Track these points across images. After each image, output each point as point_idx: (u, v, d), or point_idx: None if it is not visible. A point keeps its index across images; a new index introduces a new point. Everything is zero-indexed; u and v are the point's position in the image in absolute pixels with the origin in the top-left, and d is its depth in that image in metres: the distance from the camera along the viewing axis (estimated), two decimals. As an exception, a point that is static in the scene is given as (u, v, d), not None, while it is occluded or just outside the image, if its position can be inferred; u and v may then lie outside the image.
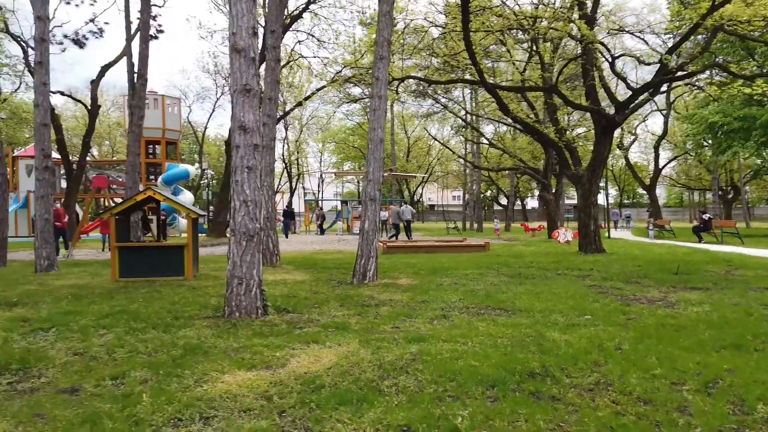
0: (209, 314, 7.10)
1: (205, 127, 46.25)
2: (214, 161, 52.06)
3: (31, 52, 24.24)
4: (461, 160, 41.82)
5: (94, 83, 23.50)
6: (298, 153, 48.90)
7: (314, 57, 45.35)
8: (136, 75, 15.62)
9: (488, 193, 51.79)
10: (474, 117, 32.44)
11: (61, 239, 16.31)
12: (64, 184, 27.40)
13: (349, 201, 37.34)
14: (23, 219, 28.75)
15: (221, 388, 4.24)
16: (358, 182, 49.79)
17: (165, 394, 4.10)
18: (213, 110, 51.95)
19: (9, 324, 6.55)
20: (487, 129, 39.90)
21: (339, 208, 39.20)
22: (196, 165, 41.53)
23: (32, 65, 24.59)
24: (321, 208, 35.20)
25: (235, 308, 6.75)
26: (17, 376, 4.76)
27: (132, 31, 17.14)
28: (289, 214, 29.17)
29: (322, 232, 31.75)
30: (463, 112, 32.94)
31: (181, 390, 4.23)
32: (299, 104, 28.62)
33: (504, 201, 46.06)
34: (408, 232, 25.57)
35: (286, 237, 26.90)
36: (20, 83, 31.21)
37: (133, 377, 4.58)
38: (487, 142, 33.05)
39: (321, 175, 54.27)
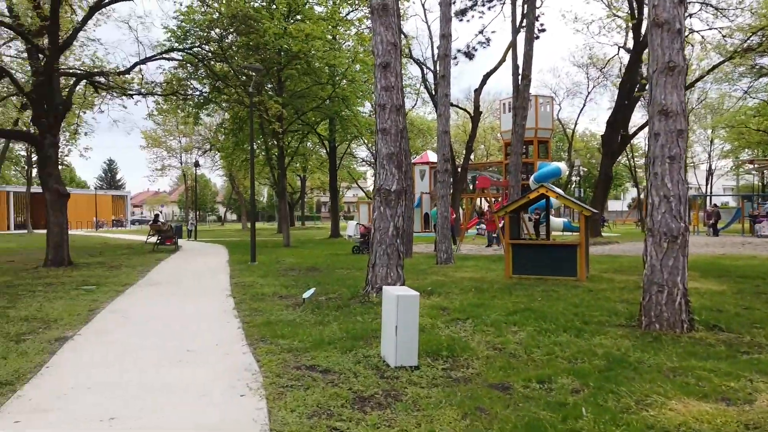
0: (621, 322, 6.42)
1: (575, 124, 45.43)
2: (581, 157, 50.80)
3: (426, 70, 27.99)
4: None
5: (477, 91, 25.48)
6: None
7: (708, 29, 38.89)
8: (520, 76, 16.07)
9: None
10: None
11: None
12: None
13: (755, 195, 30.92)
14: (416, 217, 33.51)
15: (673, 418, 3.53)
16: (763, 173, 40.95)
17: (607, 412, 3.64)
18: (583, 105, 50.73)
19: (431, 311, 7.24)
20: None
21: (736, 204, 32.93)
22: (562, 162, 41.10)
23: (427, 82, 28.44)
24: (715, 205, 30.23)
25: (654, 319, 5.89)
26: (448, 363, 5.05)
27: (516, 35, 17.74)
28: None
29: (716, 232, 27.15)
30: None
31: (622, 410, 3.70)
32: (689, 86, 25.05)
33: None
34: None
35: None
36: (417, 99, 36.40)
37: (561, 384, 4.28)
38: None
39: (710, 167, 46.77)
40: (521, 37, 16.83)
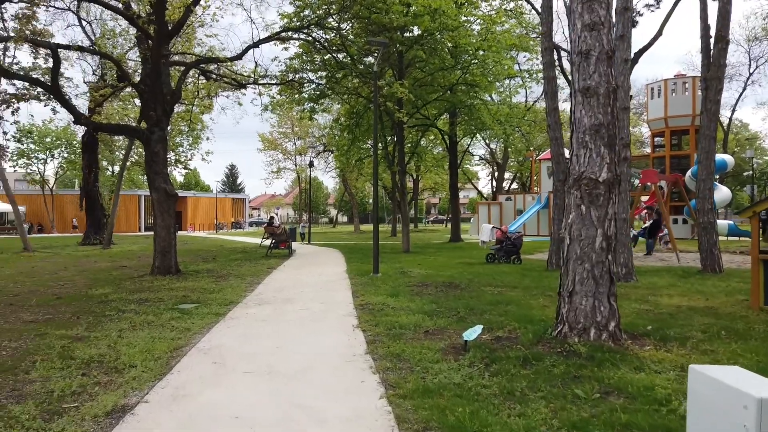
0: None
1: (732, 111, 38.71)
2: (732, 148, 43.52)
3: (562, 52, 24.37)
4: None
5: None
6: None
7: None
8: (712, 39, 12.40)
9: None
10: None
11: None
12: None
13: None
14: (544, 219, 29.71)
15: None
16: None
17: None
18: (743, 89, 42.67)
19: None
20: None
21: None
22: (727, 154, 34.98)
23: (562, 66, 24.84)
24: None
25: None
26: None
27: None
28: None
29: None
30: None
31: None
32: None
33: None
34: None
35: None
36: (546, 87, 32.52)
37: None
38: None
39: None
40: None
